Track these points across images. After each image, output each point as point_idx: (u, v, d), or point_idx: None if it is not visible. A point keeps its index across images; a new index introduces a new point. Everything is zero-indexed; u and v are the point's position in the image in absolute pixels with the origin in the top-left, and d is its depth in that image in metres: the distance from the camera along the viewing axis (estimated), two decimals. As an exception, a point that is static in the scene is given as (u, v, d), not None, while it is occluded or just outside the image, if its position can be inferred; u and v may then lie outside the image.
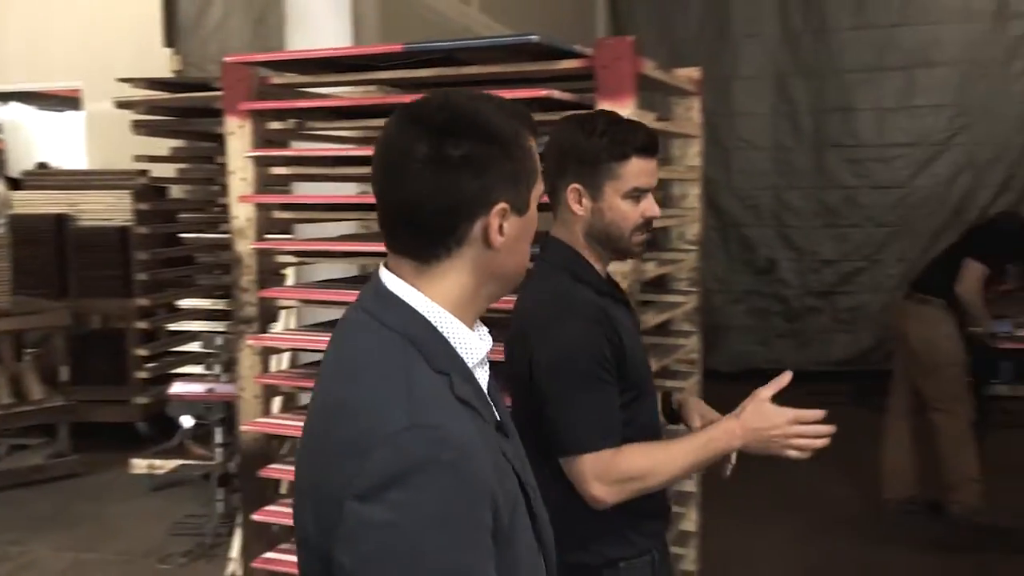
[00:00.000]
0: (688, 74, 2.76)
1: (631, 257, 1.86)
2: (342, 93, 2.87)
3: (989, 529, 4.29)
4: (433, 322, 1.07)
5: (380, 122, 2.64)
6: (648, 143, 1.71)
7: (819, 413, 1.62)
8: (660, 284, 2.80)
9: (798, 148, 7.49)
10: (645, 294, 2.53)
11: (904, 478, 4.55)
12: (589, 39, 6.87)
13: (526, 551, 1.09)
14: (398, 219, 1.07)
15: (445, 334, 1.08)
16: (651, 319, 2.42)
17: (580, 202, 1.70)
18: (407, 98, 2.40)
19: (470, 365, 1.09)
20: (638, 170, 1.69)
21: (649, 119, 2.40)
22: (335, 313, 2.85)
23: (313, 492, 1.02)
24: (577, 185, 1.70)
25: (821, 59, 7.37)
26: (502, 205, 1.06)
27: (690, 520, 2.84)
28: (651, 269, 2.45)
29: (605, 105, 2.15)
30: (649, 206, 1.72)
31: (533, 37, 2.09)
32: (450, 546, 0.95)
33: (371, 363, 1.04)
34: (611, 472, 1.59)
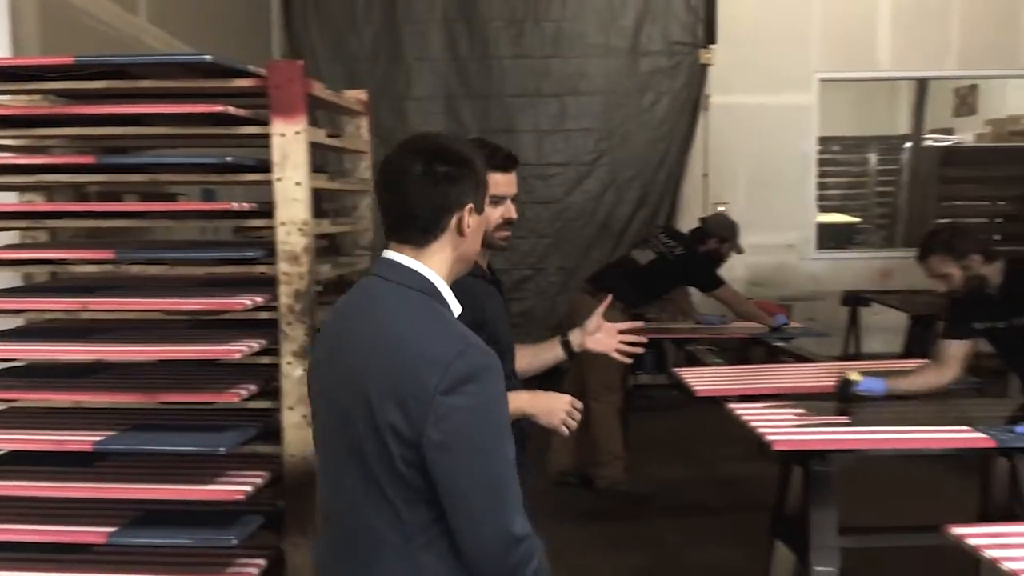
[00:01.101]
0: (357, 95, 3.01)
1: (497, 249, 2.31)
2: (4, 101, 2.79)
3: (631, 496, 4.98)
4: (435, 283, 1.58)
5: (47, 131, 2.64)
6: (503, 162, 2.20)
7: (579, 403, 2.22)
8: (339, 286, 3.02)
9: (469, 166, 8.04)
10: (325, 295, 2.75)
11: (565, 454, 5.16)
12: (264, 53, 6.93)
13: None
14: (401, 216, 1.58)
15: (442, 292, 1.59)
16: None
17: None
18: (77, 108, 2.45)
19: (456, 315, 1.61)
20: (495, 182, 2.08)
21: (320, 136, 2.63)
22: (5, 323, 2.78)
23: (394, 394, 1.46)
24: None
25: (485, 84, 7.94)
26: (470, 205, 1.60)
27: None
28: (327, 271, 2.68)
29: (278, 123, 2.36)
30: (506, 210, 2.22)
31: (207, 56, 2.24)
32: (502, 415, 1.51)
33: (413, 311, 1.54)
34: None
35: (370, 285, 1.61)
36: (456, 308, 1.61)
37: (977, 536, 2.06)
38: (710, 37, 7.88)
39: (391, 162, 1.59)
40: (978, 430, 2.89)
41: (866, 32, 8.06)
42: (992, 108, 11.19)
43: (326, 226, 2.74)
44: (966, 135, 11.12)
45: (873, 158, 11.28)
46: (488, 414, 1.47)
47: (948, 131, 11.46)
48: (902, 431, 2.99)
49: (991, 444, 2.84)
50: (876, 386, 3.29)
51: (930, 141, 10.59)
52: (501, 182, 2.18)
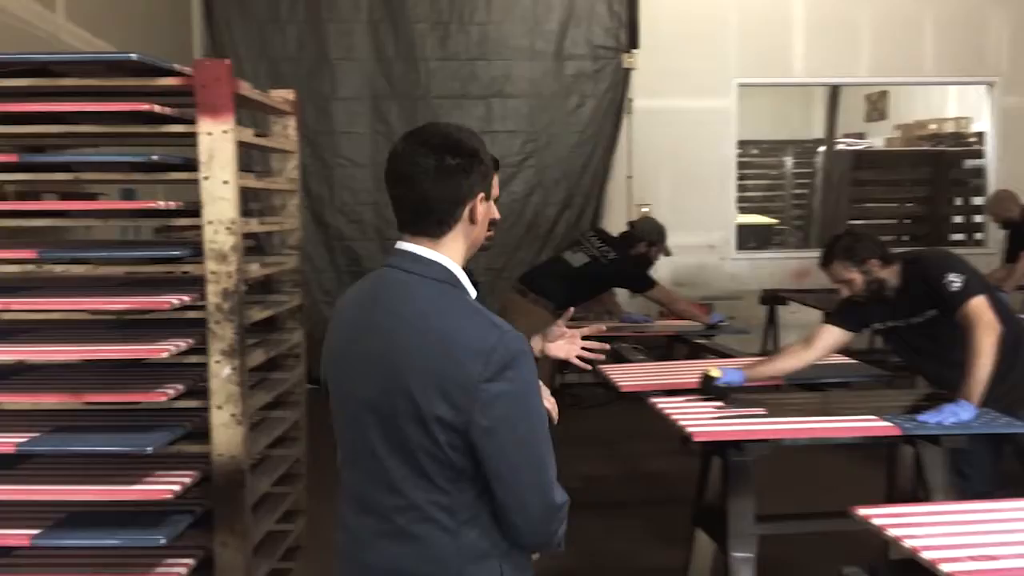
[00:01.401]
0: (284, 95, 3.03)
1: (481, 249, 2.35)
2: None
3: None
4: (455, 272, 1.62)
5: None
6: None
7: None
8: (266, 285, 3.03)
9: (396, 167, 8.05)
10: (252, 294, 2.75)
11: None
12: (185, 51, 6.85)
13: None
14: (416, 209, 1.60)
15: (461, 280, 1.63)
16: (257, 314, 2.66)
17: None
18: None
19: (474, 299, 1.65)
20: None
21: (248, 135, 2.64)
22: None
23: (438, 386, 1.50)
24: None
25: (412, 85, 7.96)
26: (481, 194, 1.63)
27: (298, 499, 3.11)
28: (255, 270, 2.69)
29: (205, 121, 2.36)
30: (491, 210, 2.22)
31: (132, 55, 2.24)
32: (537, 395, 1.58)
33: (447, 304, 1.58)
34: None
35: (392, 276, 1.63)
36: (472, 292, 1.66)
37: (882, 517, 2.18)
38: (633, 42, 8.05)
39: (401, 156, 1.61)
40: (885, 419, 3.05)
41: (782, 40, 8.32)
42: (901, 113, 11.67)
43: (254, 225, 2.75)
44: (877, 139, 11.58)
45: (789, 161, 11.65)
46: (527, 396, 1.55)
47: (860, 135, 11.91)
48: (815, 421, 3.13)
49: (896, 432, 3.00)
50: (735, 377, 3.43)
51: (843, 145, 10.99)
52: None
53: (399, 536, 1.58)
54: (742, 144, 8.97)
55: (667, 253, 5.71)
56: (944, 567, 1.84)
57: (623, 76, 8.09)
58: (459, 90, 8.05)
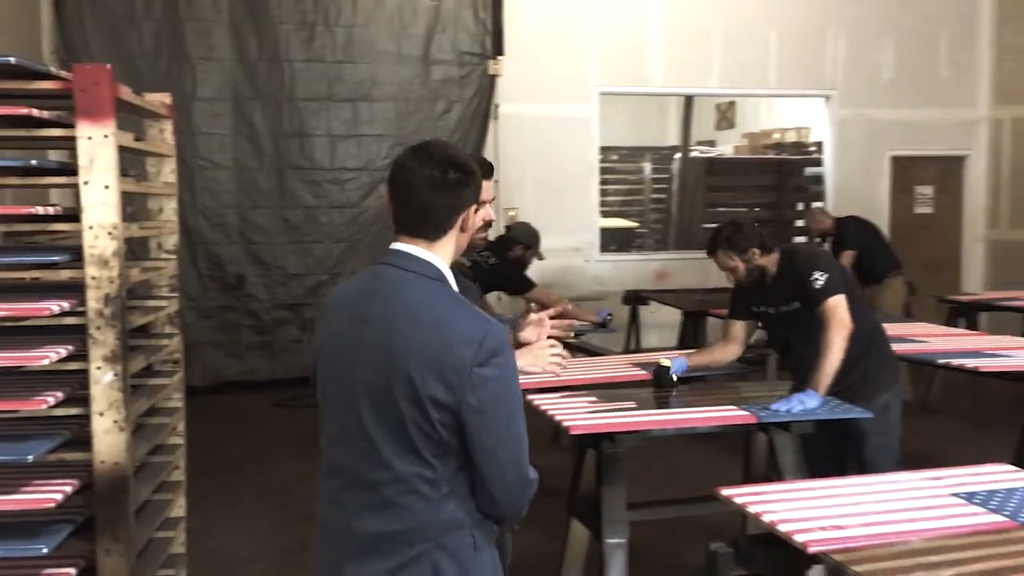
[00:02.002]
0: (160, 99, 3.00)
1: (476, 248, 2.57)
2: None
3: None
4: (444, 272, 1.83)
5: None
6: (484, 170, 2.39)
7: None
8: (134, 291, 2.99)
9: (261, 169, 7.92)
10: (131, 299, 2.72)
11: None
12: (33, 51, 6.59)
13: None
14: (417, 215, 1.81)
15: (448, 277, 1.84)
16: (138, 320, 2.64)
17: None
18: None
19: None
20: None
21: (129, 140, 2.61)
22: None
23: (435, 370, 1.71)
24: None
25: (276, 86, 7.88)
26: (474, 205, 1.86)
27: (178, 506, 3.08)
28: (134, 275, 2.66)
29: (85, 126, 2.34)
30: (486, 213, 2.42)
31: (10, 58, 2.19)
32: (518, 381, 1.81)
33: (442, 298, 1.80)
34: None
35: (390, 273, 1.82)
36: (454, 286, 1.88)
37: (742, 496, 2.38)
38: (498, 49, 8.23)
39: (408, 168, 1.82)
40: (742, 409, 3.30)
41: (640, 51, 8.70)
42: (748, 123, 12.36)
43: (135, 230, 2.72)
44: (726, 147, 12.21)
45: (648, 167, 12.12)
46: (511, 381, 1.78)
47: (711, 143, 12.53)
48: (679, 412, 3.35)
49: (752, 420, 3.25)
50: (682, 366, 3.71)
51: (696, 152, 11.54)
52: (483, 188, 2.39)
53: (386, 506, 1.77)
54: (603, 150, 9.30)
55: (540, 257, 5.91)
56: (798, 537, 2.04)
57: (489, 82, 8.25)
58: (325, 92, 8.01)
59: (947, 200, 9.69)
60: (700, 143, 12.18)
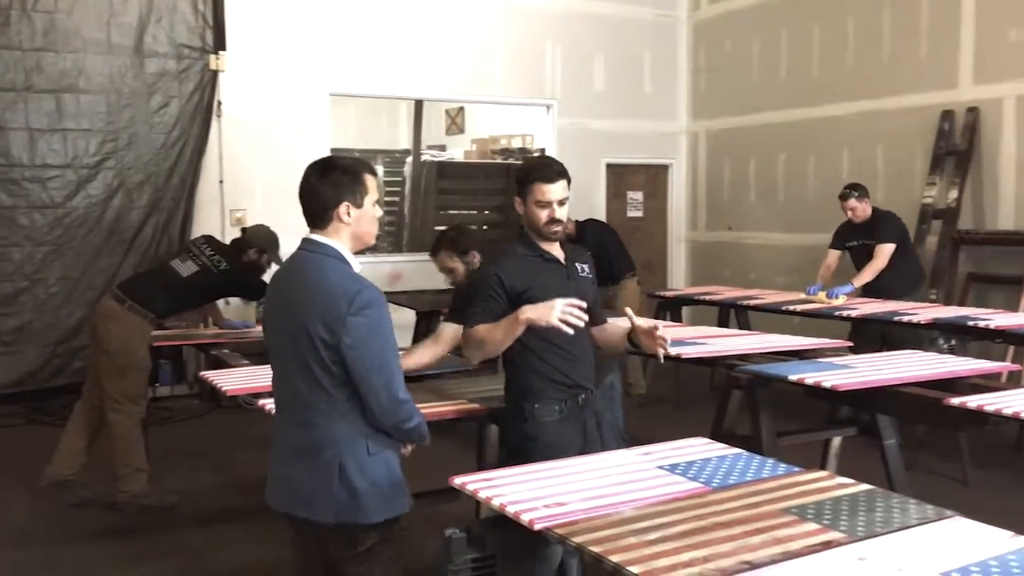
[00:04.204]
0: None
1: (548, 238, 2.97)
2: None
3: (156, 509, 4.83)
4: (341, 251, 2.41)
5: None
6: (547, 175, 2.88)
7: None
8: None
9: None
10: None
11: (70, 459, 4.90)
12: None
13: None
14: (306, 210, 2.43)
15: (346, 257, 2.42)
16: None
17: (520, 207, 2.97)
18: None
19: (356, 271, 2.42)
20: (539, 190, 2.88)
21: None
22: None
23: (321, 318, 2.31)
24: (518, 197, 2.97)
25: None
26: (346, 202, 2.40)
27: None
28: None
29: None
30: (551, 211, 2.88)
31: None
32: (387, 327, 2.37)
33: (329, 268, 2.38)
34: (466, 338, 2.92)
35: (302, 255, 2.44)
36: (357, 267, 2.42)
37: (474, 483, 2.44)
38: (220, 44, 7.89)
39: (303, 177, 2.43)
40: (471, 401, 3.39)
41: (371, 55, 8.69)
42: (476, 128, 12.74)
43: None
44: (456, 151, 12.51)
45: (380, 170, 12.15)
46: (379, 327, 2.34)
47: (442, 147, 12.78)
48: (424, 407, 3.36)
49: (484, 410, 3.35)
50: None
51: (428, 156, 11.72)
52: (546, 191, 2.87)
53: (301, 424, 2.41)
54: (335, 152, 9.18)
55: (278, 262, 5.70)
56: (524, 516, 2.13)
57: (211, 78, 7.90)
58: (23, 82, 7.32)
59: (655, 204, 10.54)
60: (431, 147, 12.38)
